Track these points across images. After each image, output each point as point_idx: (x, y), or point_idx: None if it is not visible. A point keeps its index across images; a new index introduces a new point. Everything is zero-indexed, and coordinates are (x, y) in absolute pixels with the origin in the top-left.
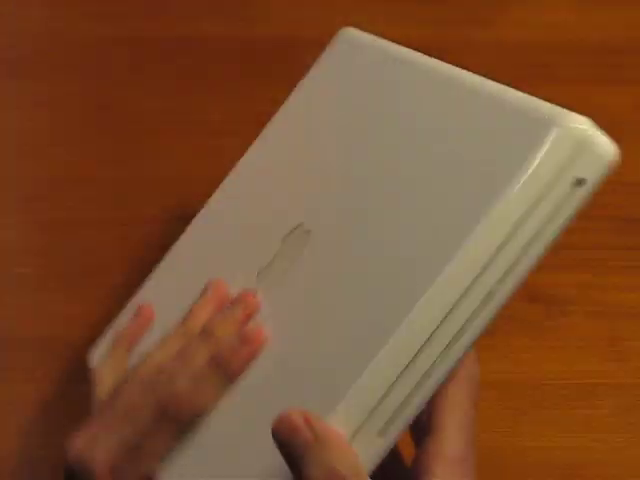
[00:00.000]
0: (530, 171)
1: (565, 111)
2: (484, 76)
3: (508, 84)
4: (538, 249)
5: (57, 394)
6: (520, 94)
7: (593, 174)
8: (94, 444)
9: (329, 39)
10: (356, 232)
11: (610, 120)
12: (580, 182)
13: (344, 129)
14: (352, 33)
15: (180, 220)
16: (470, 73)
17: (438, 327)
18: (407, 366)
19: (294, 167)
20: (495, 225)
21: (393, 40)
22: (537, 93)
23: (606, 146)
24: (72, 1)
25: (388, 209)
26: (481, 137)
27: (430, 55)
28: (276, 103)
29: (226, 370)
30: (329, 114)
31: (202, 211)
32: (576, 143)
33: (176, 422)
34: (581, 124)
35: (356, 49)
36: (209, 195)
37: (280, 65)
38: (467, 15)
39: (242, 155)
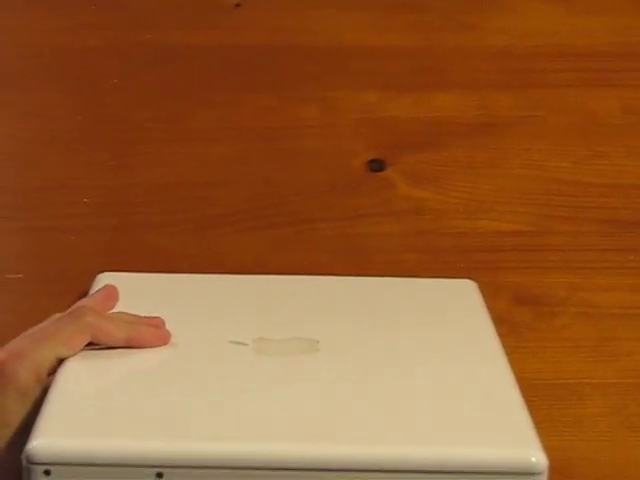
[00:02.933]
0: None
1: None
2: (471, 83)
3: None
4: None
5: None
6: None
7: None
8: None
9: (313, 48)
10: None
11: (599, 124)
12: None
13: None
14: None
15: (167, 227)
16: None
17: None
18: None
19: None
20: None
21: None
22: (525, 98)
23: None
24: (59, 12)
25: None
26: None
27: (419, 63)
28: (261, 110)
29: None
30: None
31: None
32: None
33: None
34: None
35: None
36: (197, 201)
37: (264, 72)
38: (453, 22)
39: (228, 161)
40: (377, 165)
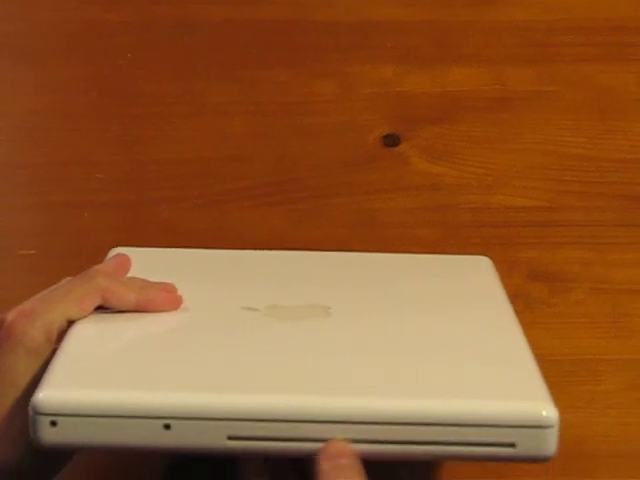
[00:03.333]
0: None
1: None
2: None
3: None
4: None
5: None
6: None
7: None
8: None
9: (330, 22)
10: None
11: (615, 98)
12: (513, 445)
13: None
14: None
15: (183, 202)
16: None
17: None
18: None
19: None
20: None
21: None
22: (542, 73)
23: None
24: None
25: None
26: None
27: (436, 37)
28: (277, 85)
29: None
30: None
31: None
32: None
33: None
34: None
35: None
36: (212, 176)
37: (281, 47)
38: None
39: (244, 136)
40: (392, 140)
